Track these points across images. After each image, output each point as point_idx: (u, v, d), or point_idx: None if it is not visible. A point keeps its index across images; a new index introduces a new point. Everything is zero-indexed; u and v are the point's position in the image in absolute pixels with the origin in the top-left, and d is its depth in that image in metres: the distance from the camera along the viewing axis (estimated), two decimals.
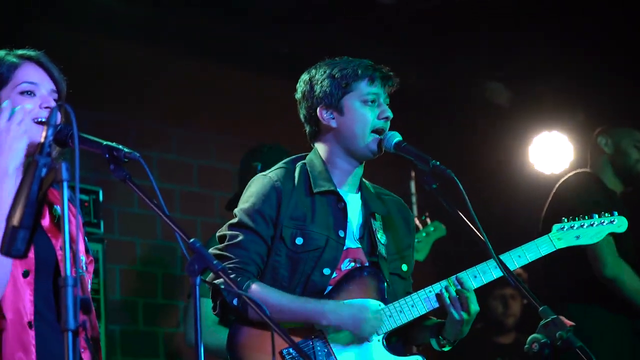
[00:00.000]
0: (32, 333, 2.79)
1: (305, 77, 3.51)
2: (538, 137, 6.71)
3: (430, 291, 3.40)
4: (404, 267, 3.53)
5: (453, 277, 3.39)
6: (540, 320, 3.08)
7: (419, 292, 3.41)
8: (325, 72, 3.45)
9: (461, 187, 3.14)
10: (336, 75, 3.42)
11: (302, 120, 3.54)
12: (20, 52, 2.96)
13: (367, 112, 3.43)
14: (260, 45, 6.12)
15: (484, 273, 3.42)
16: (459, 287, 3.35)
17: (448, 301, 3.33)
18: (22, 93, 2.89)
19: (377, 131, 3.42)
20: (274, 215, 3.39)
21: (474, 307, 3.34)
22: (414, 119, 4.89)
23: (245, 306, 3.30)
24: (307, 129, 3.54)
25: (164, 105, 6.10)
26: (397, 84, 3.48)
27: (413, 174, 6.13)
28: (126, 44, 5.82)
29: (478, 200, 3.39)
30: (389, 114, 3.44)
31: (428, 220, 5.34)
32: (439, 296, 3.37)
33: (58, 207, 2.96)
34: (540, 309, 3.11)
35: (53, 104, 2.90)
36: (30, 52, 2.97)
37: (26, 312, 2.79)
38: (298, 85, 3.53)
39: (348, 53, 3.55)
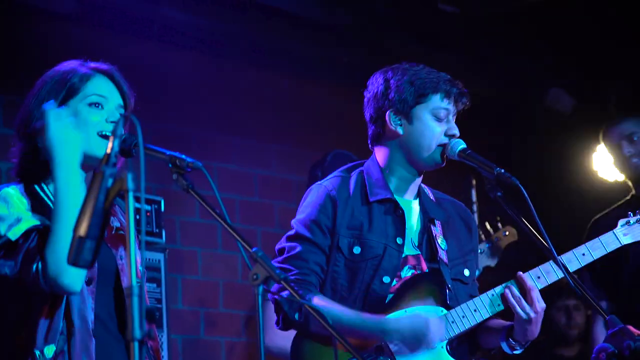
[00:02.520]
0: (93, 340, 2.82)
1: (380, 76, 3.46)
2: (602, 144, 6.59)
3: (492, 294, 3.36)
4: (466, 272, 3.49)
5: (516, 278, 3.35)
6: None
7: (481, 295, 3.37)
8: (403, 76, 3.40)
9: (526, 195, 3.11)
10: (415, 83, 3.38)
11: (367, 119, 3.50)
12: (93, 64, 3.01)
13: (436, 127, 3.39)
14: (320, 55, 6.11)
15: (547, 273, 3.37)
16: (523, 285, 3.30)
17: (513, 300, 3.29)
18: (90, 105, 2.93)
19: (442, 146, 3.40)
20: (330, 225, 3.38)
21: (540, 303, 3.28)
22: (477, 126, 4.85)
23: (307, 320, 3.29)
24: (371, 130, 3.50)
25: (225, 116, 6.14)
26: (469, 103, 3.44)
27: (474, 182, 6.07)
28: (188, 54, 5.86)
29: (541, 208, 3.35)
30: (456, 131, 3.41)
31: (500, 225, 5.28)
32: (503, 297, 3.33)
33: (114, 219, 2.99)
34: (607, 317, 3.06)
35: None
36: (103, 66, 3.01)
37: (91, 319, 2.83)
38: (370, 82, 3.48)
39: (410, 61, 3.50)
